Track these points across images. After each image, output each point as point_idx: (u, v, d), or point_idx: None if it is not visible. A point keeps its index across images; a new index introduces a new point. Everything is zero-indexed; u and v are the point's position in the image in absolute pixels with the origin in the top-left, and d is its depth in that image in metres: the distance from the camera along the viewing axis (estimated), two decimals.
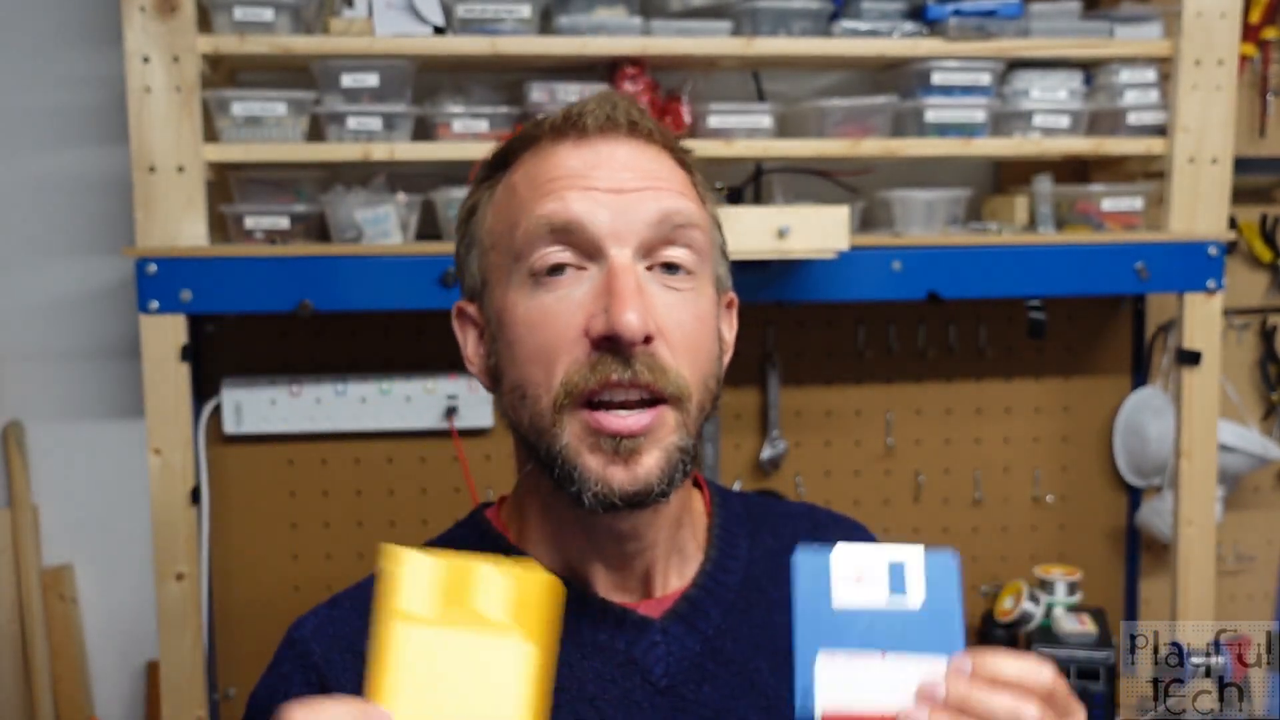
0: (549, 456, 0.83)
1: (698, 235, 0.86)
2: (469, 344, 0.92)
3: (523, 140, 0.90)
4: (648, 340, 0.81)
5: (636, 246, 0.83)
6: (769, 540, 0.98)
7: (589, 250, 0.83)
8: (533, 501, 0.91)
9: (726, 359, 0.94)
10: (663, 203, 0.84)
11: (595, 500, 0.82)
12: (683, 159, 0.91)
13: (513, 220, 0.86)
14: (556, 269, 0.83)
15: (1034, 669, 0.70)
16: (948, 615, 0.71)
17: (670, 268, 0.85)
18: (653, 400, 0.82)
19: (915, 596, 0.71)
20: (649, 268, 0.84)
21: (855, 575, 0.72)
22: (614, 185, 0.84)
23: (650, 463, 0.82)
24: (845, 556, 0.72)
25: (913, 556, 0.71)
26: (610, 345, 0.80)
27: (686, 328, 0.84)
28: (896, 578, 0.71)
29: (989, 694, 0.69)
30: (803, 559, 0.72)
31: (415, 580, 0.67)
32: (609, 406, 0.82)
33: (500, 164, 0.91)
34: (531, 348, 0.84)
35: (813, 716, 0.70)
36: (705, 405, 0.86)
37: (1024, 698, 0.69)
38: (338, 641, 0.87)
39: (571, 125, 0.86)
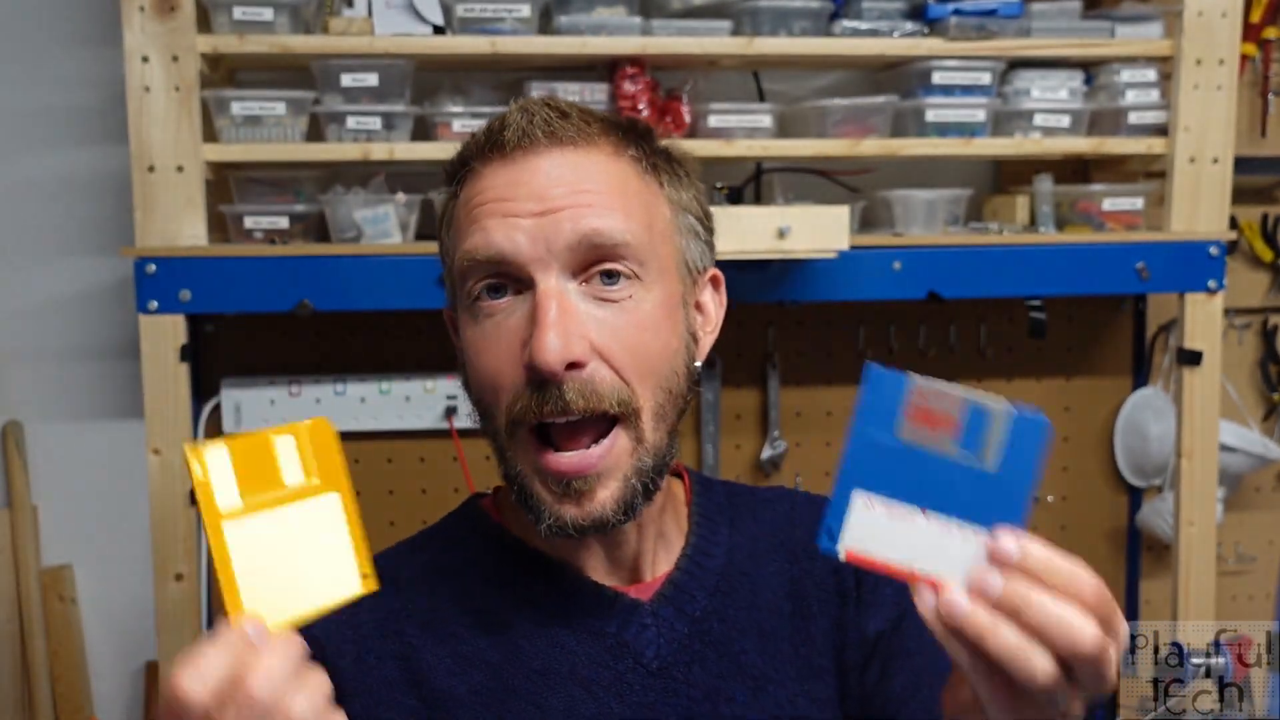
0: (508, 475, 0.86)
1: (628, 247, 0.84)
2: (459, 352, 0.93)
3: (461, 158, 0.89)
4: (576, 366, 0.81)
5: (562, 268, 0.83)
6: (750, 525, 0.99)
7: (517, 278, 0.83)
8: None
9: (709, 340, 0.94)
10: (581, 223, 0.82)
11: (550, 531, 0.84)
12: (627, 138, 0.89)
13: (455, 248, 0.87)
14: (494, 295, 0.84)
15: (1084, 574, 0.62)
16: (1017, 489, 0.62)
17: (610, 275, 0.84)
18: (599, 418, 0.82)
19: (989, 457, 0.63)
20: (585, 281, 0.84)
21: (929, 410, 0.64)
22: (536, 206, 0.83)
23: (604, 496, 0.83)
24: (926, 386, 0.64)
25: (999, 411, 0.63)
26: (538, 376, 0.81)
27: (626, 339, 0.83)
28: (974, 429, 0.63)
29: (1050, 602, 0.60)
30: (878, 373, 0.65)
31: (220, 474, 0.70)
32: (559, 431, 0.82)
33: (453, 176, 0.90)
34: (481, 372, 0.86)
35: (836, 553, 0.64)
36: (667, 405, 0.86)
37: (1084, 612, 0.60)
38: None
39: (493, 144, 0.86)
